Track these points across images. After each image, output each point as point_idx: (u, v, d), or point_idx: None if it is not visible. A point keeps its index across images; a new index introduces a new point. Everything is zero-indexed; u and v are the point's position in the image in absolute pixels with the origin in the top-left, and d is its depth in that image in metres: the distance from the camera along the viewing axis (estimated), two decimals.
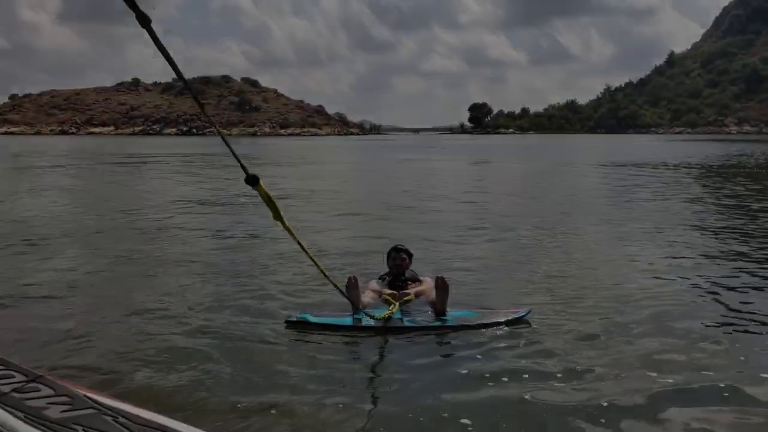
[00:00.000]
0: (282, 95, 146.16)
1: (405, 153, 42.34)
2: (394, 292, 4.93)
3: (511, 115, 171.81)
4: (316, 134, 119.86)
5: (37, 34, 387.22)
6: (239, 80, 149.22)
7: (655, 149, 46.46)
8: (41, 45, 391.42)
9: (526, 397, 3.54)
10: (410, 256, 5.31)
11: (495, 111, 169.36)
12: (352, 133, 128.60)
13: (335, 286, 4.13)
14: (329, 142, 75.29)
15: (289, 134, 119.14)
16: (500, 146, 59.43)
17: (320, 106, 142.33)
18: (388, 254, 5.39)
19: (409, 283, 5.11)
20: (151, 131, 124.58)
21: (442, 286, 4.57)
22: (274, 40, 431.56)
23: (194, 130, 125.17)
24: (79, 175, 22.26)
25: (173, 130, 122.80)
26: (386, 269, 5.45)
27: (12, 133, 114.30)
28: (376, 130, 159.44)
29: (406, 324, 4.55)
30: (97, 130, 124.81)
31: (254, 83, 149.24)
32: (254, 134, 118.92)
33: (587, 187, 17.90)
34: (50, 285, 6.13)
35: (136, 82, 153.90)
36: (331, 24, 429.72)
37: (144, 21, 2.16)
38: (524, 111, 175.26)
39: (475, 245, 8.40)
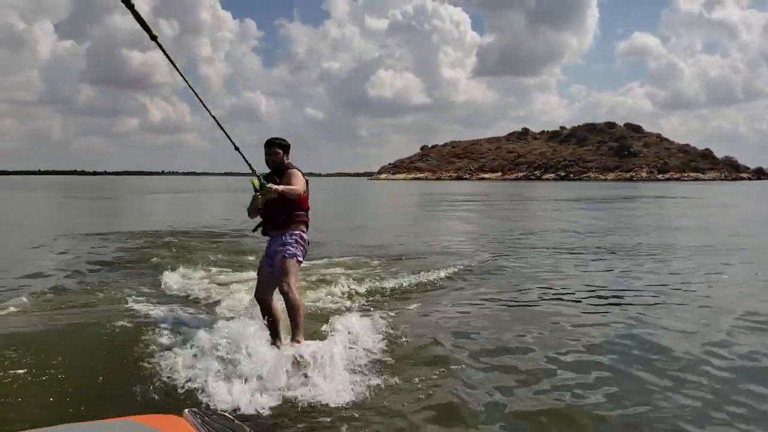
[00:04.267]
0: (665, 139, 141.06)
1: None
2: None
3: None
4: (697, 179, 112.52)
5: (454, 89, 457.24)
6: (622, 126, 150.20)
7: None
8: (457, 99, 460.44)
9: None
10: (284, 148, 4.91)
11: None
12: (741, 178, 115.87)
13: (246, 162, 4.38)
14: (702, 187, 70.92)
15: (667, 179, 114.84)
16: None
17: (707, 149, 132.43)
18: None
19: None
20: (531, 176, 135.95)
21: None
22: (683, 80, 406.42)
23: (571, 175, 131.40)
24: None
25: (551, 175, 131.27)
26: None
27: (418, 179, 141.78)
28: None
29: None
30: (486, 175, 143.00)
31: (637, 128, 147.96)
32: (630, 179, 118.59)
33: None
34: None
35: (525, 131, 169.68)
36: (751, 58, 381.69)
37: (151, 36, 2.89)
38: None
39: None
